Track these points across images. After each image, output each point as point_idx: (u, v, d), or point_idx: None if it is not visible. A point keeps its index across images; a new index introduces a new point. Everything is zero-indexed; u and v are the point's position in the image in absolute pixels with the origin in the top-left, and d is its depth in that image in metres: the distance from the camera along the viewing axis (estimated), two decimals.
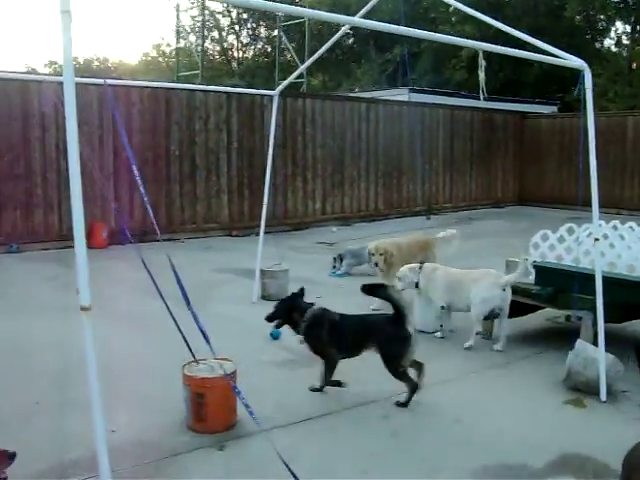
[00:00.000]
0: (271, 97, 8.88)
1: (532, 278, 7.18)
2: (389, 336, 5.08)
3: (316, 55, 8.04)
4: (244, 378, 4.85)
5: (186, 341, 4.75)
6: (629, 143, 18.96)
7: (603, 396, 5.30)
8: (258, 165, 14.83)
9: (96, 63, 52.29)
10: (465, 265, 11.37)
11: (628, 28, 33.13)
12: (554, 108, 25.66)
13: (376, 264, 8.19)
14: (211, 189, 14.80)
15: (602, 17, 32.96)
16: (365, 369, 5.70)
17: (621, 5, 30.71)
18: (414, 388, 5.13)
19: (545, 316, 7.76)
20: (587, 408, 5.23)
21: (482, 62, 5.04)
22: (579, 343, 5.48)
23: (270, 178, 8.74)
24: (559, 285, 6.29)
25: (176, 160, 14.28)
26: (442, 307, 6.85)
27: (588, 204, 5.56)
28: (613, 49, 36.73)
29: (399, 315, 5.03)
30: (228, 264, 11.38)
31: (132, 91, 13.56)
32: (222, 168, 14.94)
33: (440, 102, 19.98)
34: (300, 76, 27.27)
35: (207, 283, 9.58)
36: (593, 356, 5.31)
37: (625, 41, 33.73)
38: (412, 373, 5.23)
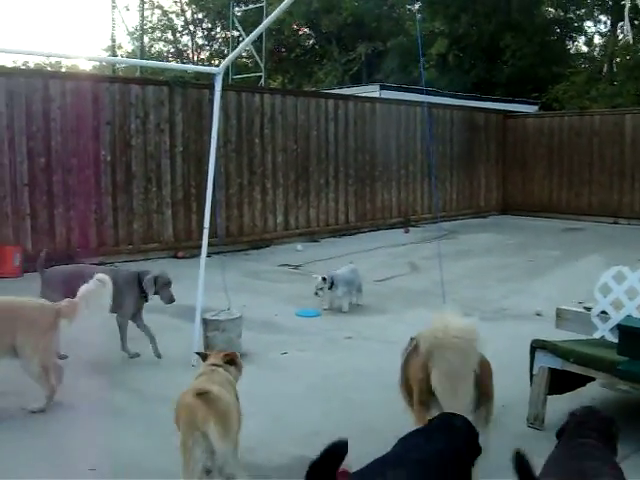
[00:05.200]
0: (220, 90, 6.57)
1: (599, 335, 4.91)
2: None
3: (260, 29, 5.83)
4: None
5: None
6: (627, 144, 16.95)
7: None
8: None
9: (48, 68, 49.08)
10: (469, 296, 8.81)
11: (601, 27, 31.76)
12: (535, 108, 23.73)
13: None
14: (151, 202, 12.29)
15: (576, 14, 31.39)
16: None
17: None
18: None
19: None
20: None
21: None
22: None
23: (213, 187, 6.42)
24: None
25: (107, 167, 11.78)
26: None
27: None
28: (584, 49, 35.39)
29: None
30: None
31: (50, 84, 11.11)
32: (164, 176, 12.46)
33: (416, 99, 17.74)
34: (258, 74, 25.02)
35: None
36: None
37: (597, 40, 32.40)
38: None
